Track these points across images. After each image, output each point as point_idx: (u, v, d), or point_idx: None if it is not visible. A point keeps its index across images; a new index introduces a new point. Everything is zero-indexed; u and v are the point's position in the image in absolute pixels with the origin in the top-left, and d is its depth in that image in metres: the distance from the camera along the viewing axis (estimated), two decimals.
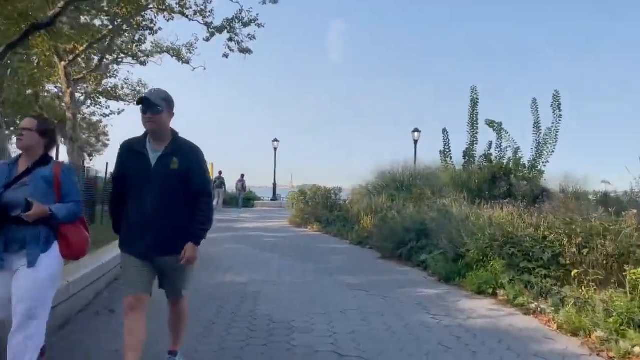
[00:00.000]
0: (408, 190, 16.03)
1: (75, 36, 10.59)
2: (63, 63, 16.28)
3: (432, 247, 9.33)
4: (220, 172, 26.93)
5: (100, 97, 23.79)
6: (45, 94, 25.10)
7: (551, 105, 13.27)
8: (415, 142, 24.10)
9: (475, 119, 14.77)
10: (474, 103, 14.85)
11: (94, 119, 31.65)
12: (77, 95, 24.92)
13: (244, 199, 27.96)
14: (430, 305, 6.30)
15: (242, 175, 27.71)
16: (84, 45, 16.43)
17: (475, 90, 15.00)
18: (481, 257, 7.61)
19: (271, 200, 31.93)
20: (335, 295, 6.72)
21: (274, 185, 32.73)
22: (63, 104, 19.57)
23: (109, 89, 23.31)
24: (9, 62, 21.37)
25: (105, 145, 34.73)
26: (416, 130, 24.21)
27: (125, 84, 23.40)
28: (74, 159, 16.28)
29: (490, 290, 7.01)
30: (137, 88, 25.79)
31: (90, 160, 34.18)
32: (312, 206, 17.42)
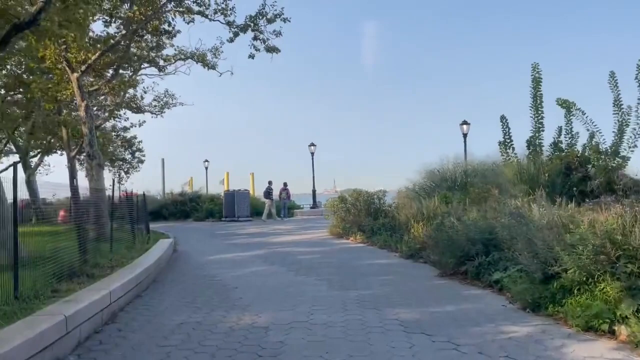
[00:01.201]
0: (462, 189, 13.99)
1: (65, 35, 9.29)
2: (75, 74, 15.09)
3: (506, 262, 7.33)
4: (270, 182, 25.93)
5: (120, 109, 22.75)
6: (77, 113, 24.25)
7: (636, 78, 10.94)
8: (465, 135, 21.86)
9: (539, 101, 12.56)
10: (537, 82, 12.64)
11: (127, 134, 30.76)
12: (96, 108, 23.99)
13: (288, 207, 27.16)
14: (526, 358, 4.34)
15: (285, 184, 27.13)
16: (96, 54, 15.22)
17: (538, 68, 12.80)
18: (584, 278, 5.57)
19: (311, 208, 30.21)
20: (387, 344, 4.83)
21: (314, 191, 31.00)
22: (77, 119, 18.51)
23: (128, 99, 22.21)
24: (30, 77, 20.60)
25: (141, 162, 33.74)
26: (465, 122, 21.95)
27: (145, 92, 22.29)
28: (92, 177, 15.04)
29: (605, 327, 4.99)
30: (164, 99, 24.67)
31: (128, 177, 33.26)
32: (354, 214, 15.53)
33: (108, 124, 27.79)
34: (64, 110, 21.25)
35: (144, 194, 17.23)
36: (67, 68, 15.26)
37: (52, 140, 27.85)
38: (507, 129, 12.92)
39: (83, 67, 15.16)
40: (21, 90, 23.41)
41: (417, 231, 10.60)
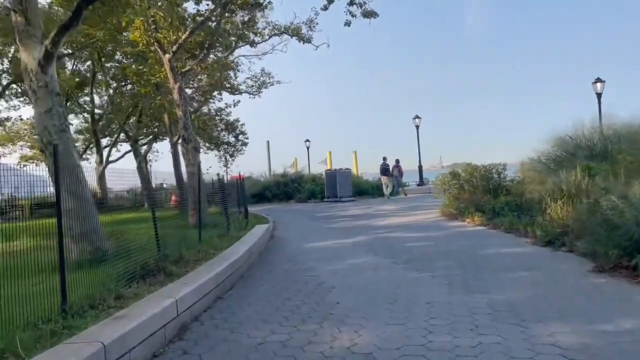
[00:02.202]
0: (604, 158, 11.50)
1: (142, 9, 8.48)
2: (167, 55, 14.60)
3: None
4: (384, 159, 24.88)
5: (215, 90, 22.41)
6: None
7: None
8: (599, 95, 18.66)
9: None
10: None
11: (230, 118, 30.69)
12: (199, 93, 23.85)
13: (398, 184, 25.85)
14: None
15: (397, 161, 25.56)
16: (186, 33, 14.59)
17: None
18: None
19: (417, 185, 28.31)
20: None
21: (420, 167, 29.04)
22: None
23: (222, 79, 21.74)
24: (136, 67, 20.80)
25: (245, 144, 33.65)
26: (598, 80, 18.73)
27: (239, 70, 21.65)
28: (188, 161, 14.56)
29: None
30: (261, 78, 24.06)
31: (233, 160, 33.33)
32: (469, 191, 13.60)
33: (206, 109, 27.92)
34: (159, 96, 21.19)
35: (240, 177, 16.60)
36: (158, 49, 14.83)
37: (159, 127, 28.57)
38: None
39: (174, 48, 14.61)
40: (128, 80, 24.01)
41: (555, 212, 8.59)
